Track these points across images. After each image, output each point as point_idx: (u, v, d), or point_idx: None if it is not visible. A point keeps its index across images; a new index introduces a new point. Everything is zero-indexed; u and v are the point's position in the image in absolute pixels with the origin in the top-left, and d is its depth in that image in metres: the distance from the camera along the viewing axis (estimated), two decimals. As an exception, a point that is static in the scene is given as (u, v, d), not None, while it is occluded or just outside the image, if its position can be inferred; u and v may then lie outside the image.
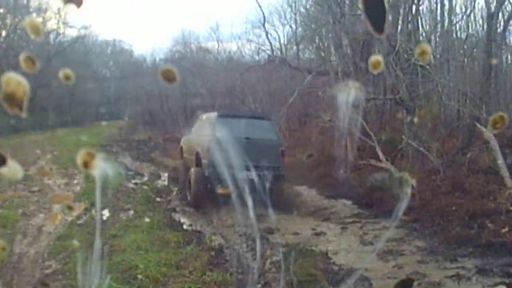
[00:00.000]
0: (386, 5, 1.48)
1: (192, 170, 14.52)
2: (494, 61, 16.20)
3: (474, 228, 10.82)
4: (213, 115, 15.08)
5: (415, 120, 15.40)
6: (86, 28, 45.66)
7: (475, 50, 19.83)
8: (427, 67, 16.04)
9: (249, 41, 35.45)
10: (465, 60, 19.67)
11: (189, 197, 14.53)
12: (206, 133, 14.14)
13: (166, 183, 18.42)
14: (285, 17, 32.19)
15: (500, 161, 12.45)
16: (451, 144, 16.21)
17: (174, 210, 13.85)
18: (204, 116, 15.99)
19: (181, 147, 17.81)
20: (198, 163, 14.42)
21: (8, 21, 35.50)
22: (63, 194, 14.41)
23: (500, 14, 17.41)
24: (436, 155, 14.70)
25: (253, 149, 12.00)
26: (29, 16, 31.96)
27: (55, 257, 8.62)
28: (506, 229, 10.46)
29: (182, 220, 12.57)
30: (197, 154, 14.68)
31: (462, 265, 9.21)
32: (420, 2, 20.30)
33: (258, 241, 9.60)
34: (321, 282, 8.24)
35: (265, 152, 13.27)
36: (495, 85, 17.29)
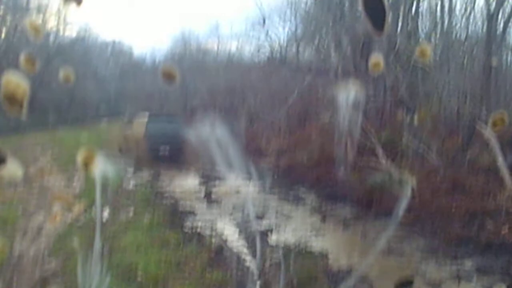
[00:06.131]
0: (386, 5, 1.48)
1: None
2: (494, 61, 16.20)
3: (474, 227, 10.82)
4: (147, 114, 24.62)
5: (415, 119, 15.41)
6: (86, 29, 45.68)
7: (475, 50, 19.82)
8: (427, 67, 16.04)
9: (249, 41, 35.40)
10: (465, 60, 19.68)
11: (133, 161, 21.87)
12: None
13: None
14: (285, 17, 32.13)
15: (500, 161, 12.43)
16: (451, 144, 16.20)
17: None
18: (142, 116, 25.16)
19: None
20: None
21: (8, 21, 35.47)
22: (63, 193, 14.39)
23: (500, 14, 17.40)
24: (436, 154, 14.70)
25: (166, 134, 22.22)
26: (29, 16, 31.95)
27: (55, 257, 8.61)
28: (506, 228, 10.47)
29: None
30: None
31: (462, 265, 9.22)
32: (420, 2, 20.31)
33: (258, 240, 9.62)
34: (321, 282, 8.25)
35: (173, 136, 22.09)
36: (495, 84, 17.29)
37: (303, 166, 18.99)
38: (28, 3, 37.60)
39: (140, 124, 24.34)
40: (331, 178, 16.36)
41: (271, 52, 28.89)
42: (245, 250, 9.91)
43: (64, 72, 1.64)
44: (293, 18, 31.75)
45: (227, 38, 63.74)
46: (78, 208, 11.97)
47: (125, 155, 23.20)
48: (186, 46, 44.79)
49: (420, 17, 21.10)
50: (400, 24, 18.18)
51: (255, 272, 8.50)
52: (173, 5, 76.30)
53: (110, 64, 55.25)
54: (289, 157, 21.14)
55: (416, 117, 15.39)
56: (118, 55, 55.39)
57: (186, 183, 18.59)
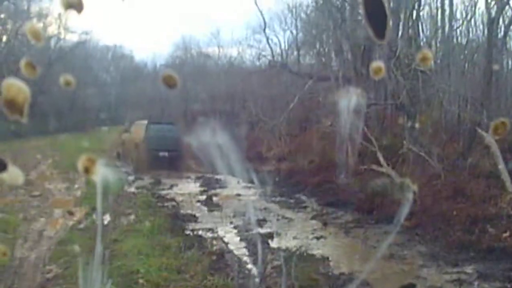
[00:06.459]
0: (387, 11, 1.48)
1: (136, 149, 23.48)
2: (495, 66, 16.21)
3: (475, 233, 10.79)
4: (146, 121, 25.01)
5: (416, 125, 15.41)
6: (87, 33, 45.48)
7: (475, 55, 19.84)
8: (428, 72, 16.04)
9: (250, 46, 35.31)
10: (466, 65, 19.69)
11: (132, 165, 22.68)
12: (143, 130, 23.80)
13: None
14: (286, 23, 32.17)
15: (501, 166, 12.43)
16: (452, 149, 16.19)
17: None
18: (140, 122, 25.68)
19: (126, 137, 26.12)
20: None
21: (8, 26, 35.48)
22: (64, 199, 14.39)
23: (501, 20, 17.42)
24: (437, 160, 14.68)
25: (165, 140, 22.67)
26: (29, 21, 31.96)
27: (56, 262, 8.60)
28: (507, 233, 10.45)
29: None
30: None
31: (463, 270, 9.19)
32: (421, 8, 20.33)
33: (259, 245, 9.60)
34: (323, 287, 8.23)
35: (172, 141, 22.65)
36: (496, 90, 17.30)
37: (304, 172, 18.98)
38: (29, 8, 37.68)
39: (139, 130, 24.36)
40: (332, 184, 16.36)
41: (272, 57, 28.90)
42: (246, 255, 9.90)
43: (64, 77, 1.64)
44: (294, 23, 31.86)
45: (228, 43, 63.85)
46: (79, 213, 11.99)
47: (124, 160, 23.63)
48: (187, 51, 44.84)
49: (421, 22, 21.16)
50: (401, 29, 18.18)
51: (257, 277, 8.49)
52: (174, 10, 76.52)
53: (111, 68, 55.27)
54: (290, 162, 21.15)
55: (417, 122, 15.39)
56: (119, 59, 55.32)
57: (187, 188, 18.59)
